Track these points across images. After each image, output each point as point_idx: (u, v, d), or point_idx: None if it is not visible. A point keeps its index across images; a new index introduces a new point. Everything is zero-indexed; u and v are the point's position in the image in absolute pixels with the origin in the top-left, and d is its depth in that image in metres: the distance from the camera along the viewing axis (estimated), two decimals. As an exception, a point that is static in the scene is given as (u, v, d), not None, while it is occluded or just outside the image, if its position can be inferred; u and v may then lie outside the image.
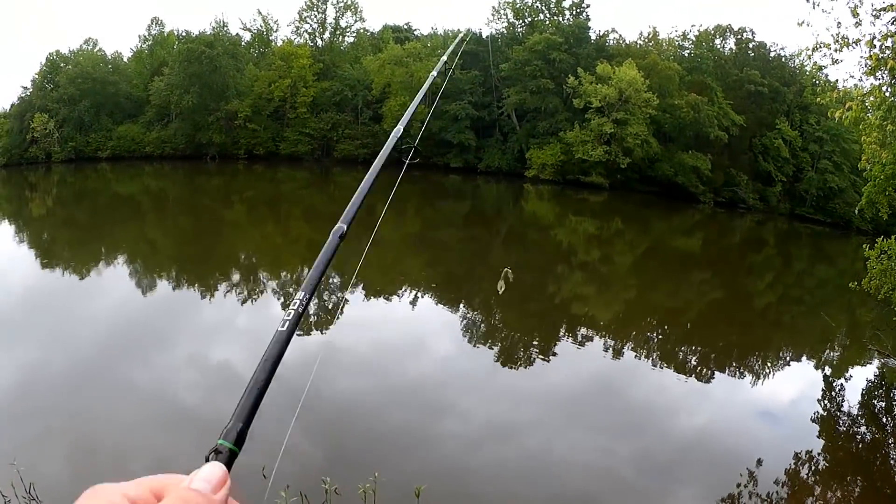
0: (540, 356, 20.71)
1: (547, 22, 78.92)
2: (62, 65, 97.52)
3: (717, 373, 20.50)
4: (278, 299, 26.68)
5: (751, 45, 74.99)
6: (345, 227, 2.12)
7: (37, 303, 25.25)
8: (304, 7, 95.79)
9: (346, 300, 26.88)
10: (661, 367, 20.41)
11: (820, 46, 12.88)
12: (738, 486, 12.28)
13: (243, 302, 25.74)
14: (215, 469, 1.01)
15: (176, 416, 13.77)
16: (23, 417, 14.37)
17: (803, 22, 13.38)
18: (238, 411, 1.21)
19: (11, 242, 40.70)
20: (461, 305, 26.97)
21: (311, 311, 24.72)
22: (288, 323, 1.50)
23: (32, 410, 14.76)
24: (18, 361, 18.14)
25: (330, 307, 25.98)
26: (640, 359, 21.27)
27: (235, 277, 28.41)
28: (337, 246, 2.00)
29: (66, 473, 12.05)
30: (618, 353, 21.48)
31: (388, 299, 27.02)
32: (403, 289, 28.95)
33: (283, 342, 1.46)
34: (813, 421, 16.66)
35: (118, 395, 15.64)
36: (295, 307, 1.53)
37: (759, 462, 13.16)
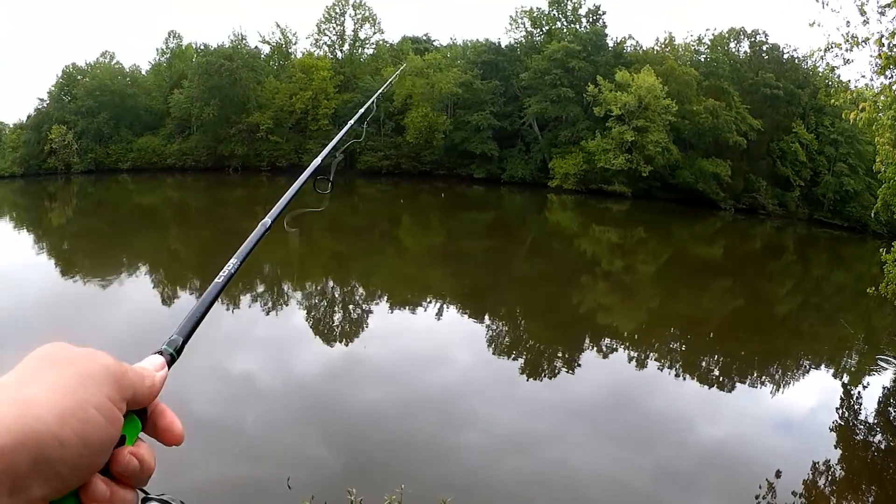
0: (563, 367, 20.81)
1: (564, 30, 78.87)
2: (79, 77, 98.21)
3: (737, 382, 20.35)
4: (301, 309, 26.88)
5: (764, 48, 74.74)
6: (269, 221, 2.24)
7: (55, 311, 25.16)
8: (323, 19, 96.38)
9: (370, 311, 27.18)
10: (683, 377, 20.56)
11: (831, 47, 12.89)
12: (757, 497, 12.37)
13: (267, 312, 26.11)
14: (156, 358, 1.21)
15: (188, 424, 13.61)
16: None
17: (814, 22, 13.33)
18: (179, 328, 1.38)
19: (30, 251, 41.03)
20: (485, 316, 26.81)
21: (335, 322, 25.22)
22: (223, 277, 1.70)
23: None
24: None
25: (354, 318, 26.07)
26: (662, 369, 21.23)
27: (260, 288, 28.79)
28: (262, 236, 2.11)
29: None
30: (640, 364, 21.50)
31: (412, 310, 27.05)
32: (427, 299, 28.94)
33: (217, 291, 1.63)
34: (830, 430, 16.75)
35: None
36: (230, 268, 1.75)
37: (778, 473, 13.18)
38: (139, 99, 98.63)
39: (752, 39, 75.33)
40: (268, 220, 2.22)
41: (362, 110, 4.77)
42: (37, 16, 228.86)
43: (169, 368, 1.23)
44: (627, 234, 50.63)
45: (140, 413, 1.07)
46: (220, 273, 1.72)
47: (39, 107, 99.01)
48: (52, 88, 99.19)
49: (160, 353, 1.24)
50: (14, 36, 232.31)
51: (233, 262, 1.80)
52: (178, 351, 1.32)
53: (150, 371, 1.12)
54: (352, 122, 4.22)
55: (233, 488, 12.03)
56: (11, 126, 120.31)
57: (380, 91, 6.69)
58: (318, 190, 3.36)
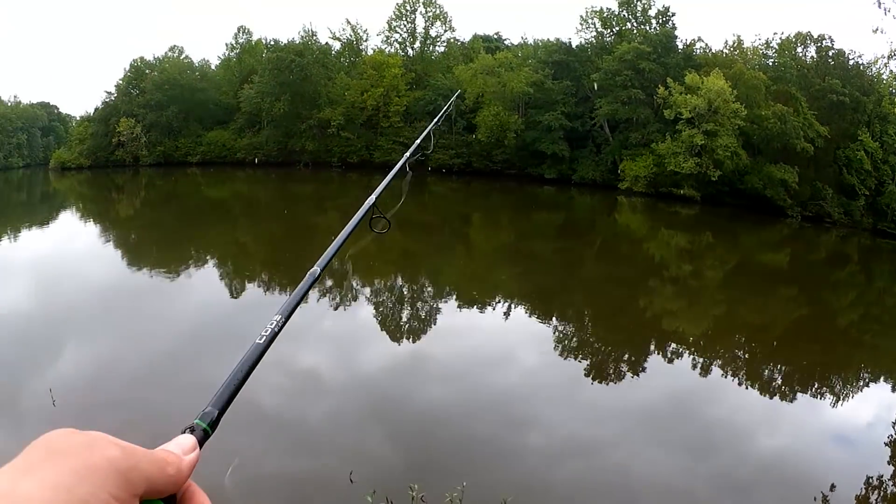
0: (627, 371, 21.01)
1: (634, 31, 78.83)
2: (147, 71, 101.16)
3: (797, 392, 20.31)
4: (370, 305, 27.38)
5: (830, 53, 73.73)
6: (318, 270, 2.24)
7: (121, 301, 25.94)
8: (393, 16, 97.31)
9: (438, 309, 27.57)
10: (744, 386, 20.42)
11: (894, 54, 13.05)
12: (810, 510, 12.50)
13: (335, 307, 26.43)
14: (186, 438, 1.13)
15: (253, 417, 13.87)
16: (102, 408, 14.91)
17: (877, 29, 13.26)
18: (215, 399, 1.32)
19: (97, 242, 42.22)
20: (551, 317, 27.04)
21: (402, 320, 25.61)
22: (265, 337, 1.62)
23: (112, 402, 15.31)
24: (103, 355, 19.19)
25: (422, 316, 26.46)
26: (724, 376, 21.17)
27: (328, 283, 28.95)
28: (311, 286, 2.09)
29: None
30: (703, 370, 21.58)
31: (479, 309, 27.32)
32: (495, 299, 29.14)
33: (259, 352, 1.57)
34: (886, 445, 16.74)
35: (197, 392, 15.52)
36: (272, 326, 1.67)
37: (833, 487, 13.20)
38: (209, 93, 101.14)
39: (819, 44, 74.49)
40: (317, 268, 2.24)
41: (418, 141, 5.22)
42: (101, 10, 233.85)
43: (201, 447, 1.16)
44: (695, 238, 50.73)
45: (168, 500, 1.02)
46: (262, 332, 1.66)
47: (107, 100, 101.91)
48: (120, 82, 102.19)
49: (191, 429, 1.20)
50: (77, 30, 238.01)
51: (276, 319, 1.72)
52: (213, 425, 1.26)
53: (175, 456, 1.06)
54: (403, 160, 4.36)
55: (294, 482, 12.38)
56: (78, 118, 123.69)
57: (435, 121, 7.26)
58: (372, 229, 3.80)
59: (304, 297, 2.01)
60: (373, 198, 3.24)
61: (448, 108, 10.39)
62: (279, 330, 1.73)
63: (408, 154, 3.84)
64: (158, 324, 22.53)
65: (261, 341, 1.63)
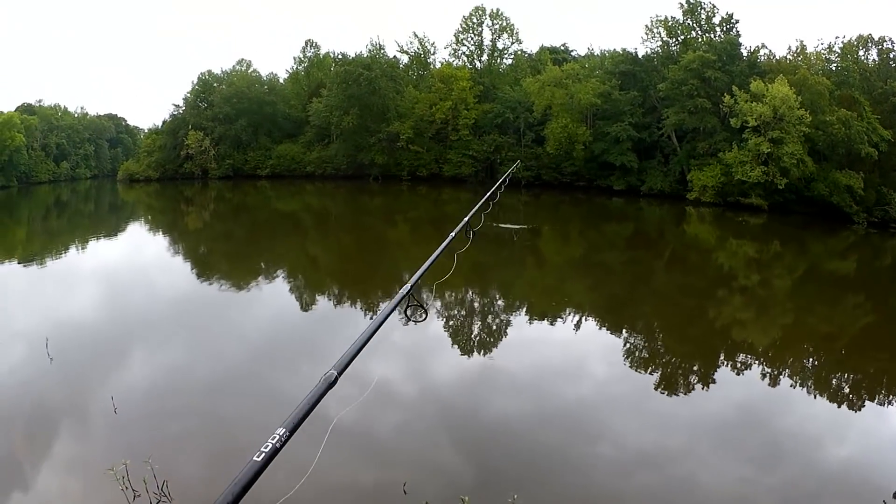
0: (696, 382, 20.94)
1: (699, 39, 78.85)
2: (215, 84, 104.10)
3: (866, 401, 19.91)
4: (439, 319, 26.71)
5: (892, 55, 73.03)
6: (335, 373, 2.16)
7: (189, 313, 26.87)
8: (460, 29, 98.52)
9: (508, 321, 27.76)
10: (813, 395, 20.27)
11: None
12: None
13: (405, 322, 26.40)
14: None
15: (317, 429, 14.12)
16: (163, 417, 15.27)
17: None
18: None
19: (166, 253, 43.52)
20: (621, 329, 27.21)
21: (473, 333, 25.75)
22: (263, 455, 1.52)
23: (173, 411, 15.70)
24: (167, 365, 19.69)
25: (494, 328, 26.63)
26: (794, 386, 20.94)
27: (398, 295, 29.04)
28: (324, 392, 2.03)
29: (200, 475, 12.70)
30: (772, 380, 21.31)
31: (550, 322, 27.48)
32: (565, 311, 29.30)
33: (254, 472, 1.48)
34: None
35: (262, 403, 16.14)
36: (273, 441, 1.57)
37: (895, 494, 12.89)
38: (277, 107, 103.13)
39: (880, 47, 73.95)
40: (333, 371, 2.13)
41: (488, 194, 5.77)
42: (168, 24, 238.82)
43: None
44: (763, 247, 50.66)
45: None
46: (262, 448, 1.53)
47: (175, 112, 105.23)
48: (188, 95, 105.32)
49: None
50: (144, 44, 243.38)
51: (279, 433, 1.60)
52: None
53: None
54: (461, 222, 4.77)
55: (345, 491, 12.46)
56: (146, 131, 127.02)
57: (495, 186, 7.82)
58: (408, 317, 3.64)
59: (315, 406, 1.97)
60: (408, 286, 3.44)
61: (506, 177, 11.07)
62: (281, 446, 1.69)
63: (458, 227, 4.58)
64: (226, 336, 23.36)
65: (258, 459, 1.59)
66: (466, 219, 4.80)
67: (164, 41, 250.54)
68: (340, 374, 2.38)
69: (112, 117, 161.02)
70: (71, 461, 13.57)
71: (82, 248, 46.22)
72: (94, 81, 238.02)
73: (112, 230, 58.34)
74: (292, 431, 1.72)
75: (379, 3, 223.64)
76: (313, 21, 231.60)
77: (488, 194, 6.07)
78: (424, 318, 3.55)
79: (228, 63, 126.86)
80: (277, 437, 1.67)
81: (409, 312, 3.51)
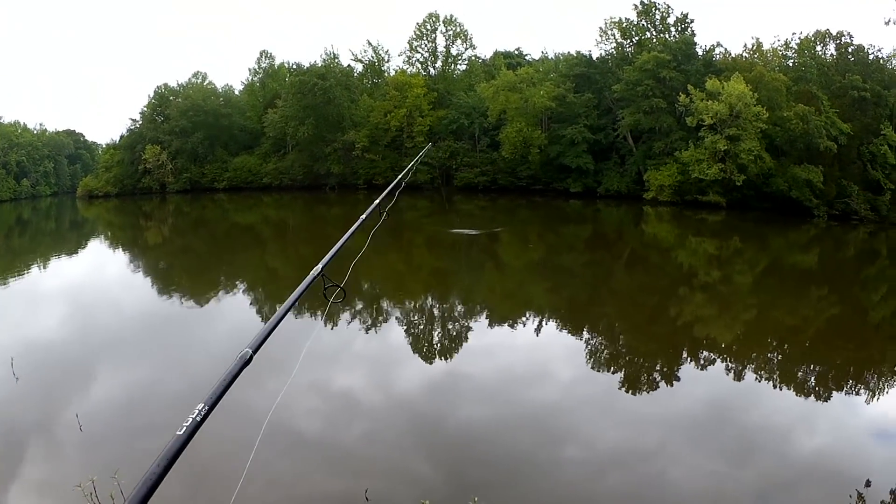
0: (661, 380, 20.65)
1: (654, 40, 78.83)
2: (171, 97, 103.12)
3: (833, 392, 20.01)
4: (402, 326, 26.92)
5: (850, 50, 73.25)
6: (250, 351, 2.19)
7: (152, 327, 26.32)
8: (414, 36, 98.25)
9: (469, 327, 27.33)
10: (780, 388, 20.01)
11: None
12: (848, 508, 12.25)
13: (367, 330, 26.43)
14: None
15: (290, 441, 14.14)
16: (129, 433, 14.97)
17: (889, 21, 12.92)
18: (132, 497, 1.29)
19: (127, 270, 42.97)
20: (584, 330, 26.91)
21: (434, 339, 25.25)
22: (185, 428, 1.57)
23: (139, 427, 15.26)
24: (134, 381, 19.32)
25: (453, 334, 26.14)
26: (759, 380, 20.70)
27: (359, 305, 28.99)
28: (240, 370, 2.05)
29: (172, 493, 11.69)
30: (738, 375, 21.07)
31: (511, 326, 27.25)
32: (526, 315, 29.11)
33: (180, 445, 1.52)
34: None
35: (231, 418, 16.00)
36: (194, 416, 1.61)
37: (868, 483, 12.90)
38: (233, 119, 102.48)
39: (838, 41, 74.19)
40: (248, 350, 2.17)
41: (391, 187, 5.53)
42: (124, 39, 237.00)
43: None
44: (723, 244, 50.47)
45: None
46: (183, 423, 1.58)
47: (132, 127, 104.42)
48: (145, 109, 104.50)
49: None
50: (100, 58, 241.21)
51: (200, 408, 1.66)
52: None
53: None
54: (364, 215, 4.87)
55: (308, 501, 12.55)
56: (104, 146, 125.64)
57: (406, 170, 7.70)
58: (327, 298, 3.67)
59: (232, 383, 2.03)
60: (319, 267, 3.53)
61: (419, 158, 10.94)
62: (202, 420, 1.74)
63: (370, 208, 4.77)
64: (190, 351, 22.90)
65: (181, 433, 1.63)
66: (378, 200, 5.43)
67: (121, 54, 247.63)
68: (255, 352, 2.31)
69: (70, 133, 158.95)
70: (39, 479, 13.43)
71: (45, 267, 45.49)
72: (51, 96, 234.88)
73: (73, 248, 57.33)
74: (211, 407, 1.74)
75: (335, 7, 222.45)
76: (267, 28, 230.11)
77: (400, 175, 5.67)
78: (343, 298, 3.75)
79: (185, 76, 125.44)
80: (197, 411, 1.70)
81: (326, 294, 3.61)
